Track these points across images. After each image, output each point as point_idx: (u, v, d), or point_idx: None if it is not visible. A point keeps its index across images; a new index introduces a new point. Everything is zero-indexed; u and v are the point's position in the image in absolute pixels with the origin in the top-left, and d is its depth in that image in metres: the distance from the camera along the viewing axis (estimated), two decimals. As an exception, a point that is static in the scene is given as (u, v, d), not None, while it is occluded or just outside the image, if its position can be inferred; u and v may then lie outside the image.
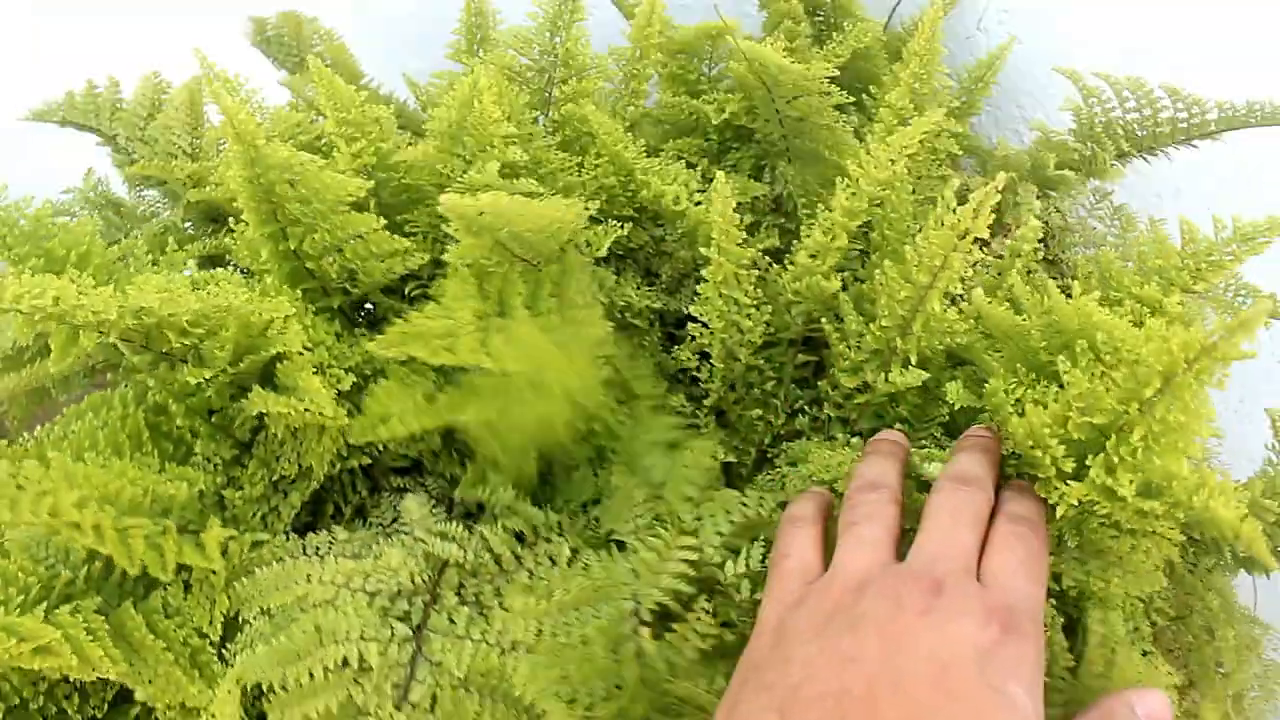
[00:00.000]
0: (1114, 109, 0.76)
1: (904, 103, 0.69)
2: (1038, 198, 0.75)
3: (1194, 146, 0.76)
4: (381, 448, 0.62)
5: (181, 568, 0.58)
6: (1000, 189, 0.52)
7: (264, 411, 0.57)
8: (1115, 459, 0.44)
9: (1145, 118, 0.76)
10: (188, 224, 0.77)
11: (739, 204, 0.71)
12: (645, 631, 0.50)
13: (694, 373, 0.67)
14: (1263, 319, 0.42)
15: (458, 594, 0.55)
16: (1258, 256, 0.70)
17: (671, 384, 0.69)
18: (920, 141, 0.61)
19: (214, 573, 0.56)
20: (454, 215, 0.54)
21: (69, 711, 0.58)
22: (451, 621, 0.54)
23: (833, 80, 0.66)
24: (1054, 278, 0.72)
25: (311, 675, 0.51)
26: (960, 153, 0.77)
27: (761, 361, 0.65)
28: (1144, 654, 0.59)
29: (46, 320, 0.52)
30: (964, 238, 0.54)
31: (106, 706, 0.59)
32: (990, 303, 0.55)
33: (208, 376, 0.56)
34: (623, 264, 0.72)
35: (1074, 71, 0.76)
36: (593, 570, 0.54)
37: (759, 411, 0.66)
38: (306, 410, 0.56)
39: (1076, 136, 0.78)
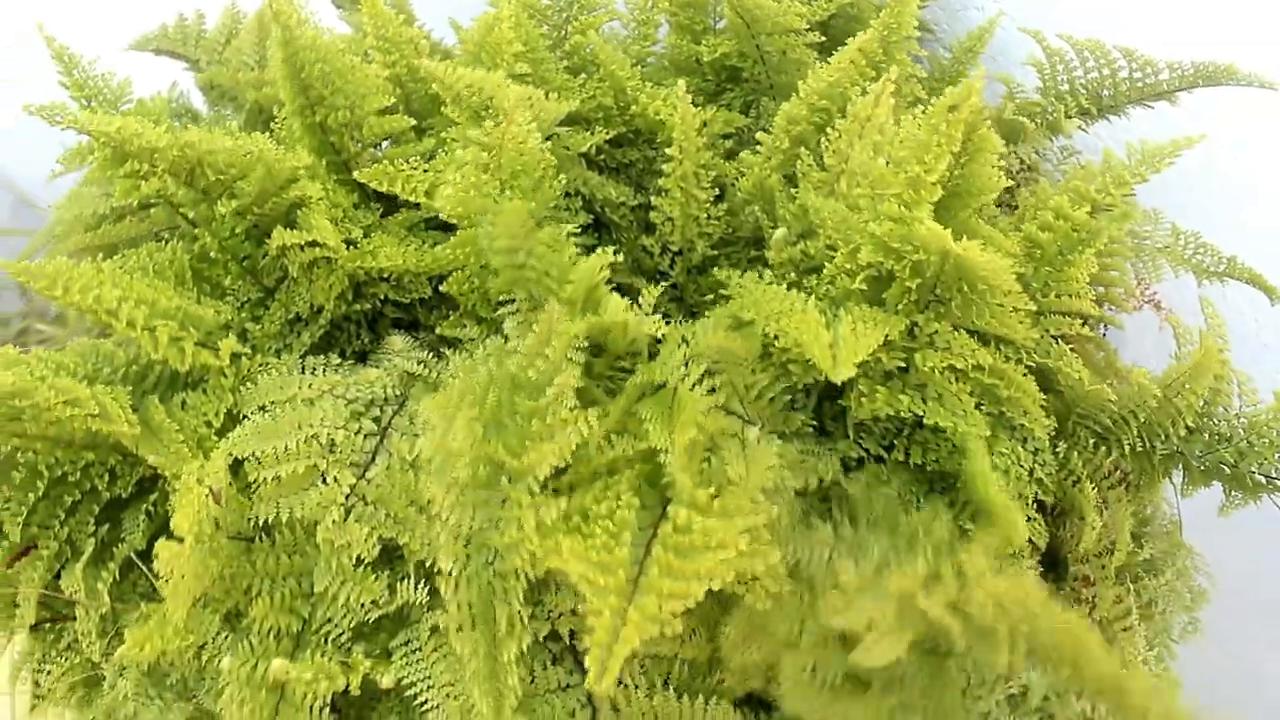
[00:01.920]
0: (1076, 69, 0.83)
1: (873, 46, 0.78)
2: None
3: (1149, 106, 0.82)
4: (383, 299, 0.72)
5: (197, 383, 0.69)
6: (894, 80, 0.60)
7: (282, 246, 0.68)
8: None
9: (1104, 78, 0.82)
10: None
11: (726, 134, 0.81)
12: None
13: (660, 265, 0.76)
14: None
15: (422, 398, 0.65)
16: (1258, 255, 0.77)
17: (647, 279, 0.78)
18: (888, 83, 0.68)
19: (224, 375, 0.67)
20: (445, 92, 0.65)
21: (99, 488, 0.69)
22: (411, 422, 0.63)
23: (823, 35, 0.75)
24: (1006, 214, 0.79)
25: (286, 447, 0.61)
26: (926, 95, 0.84)
27: (718, 254, 0.74)
28: (1028, 519, 0.65)
29: (113, 150, 0.65)
30: (868, 123, 0.62)
31: (131, 489, 0.70)
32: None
33: (237, 209, 0.67)
34: (615, 176, 0.82)
35: (1038, 31, 0.83)
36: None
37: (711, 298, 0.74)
38: (314, 243, 0.67)
39: (1041, 94, 0.85)
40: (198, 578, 0.57)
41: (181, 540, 0.54)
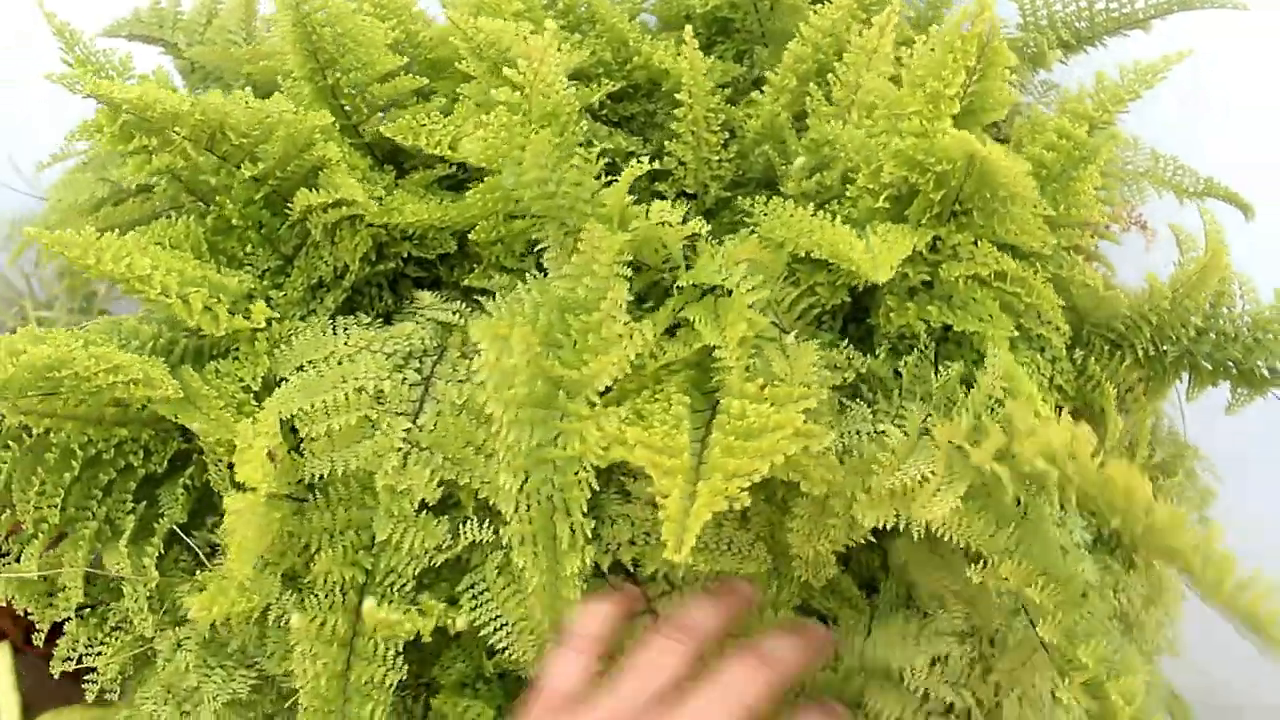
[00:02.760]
0: (1055, 3, 0.86)
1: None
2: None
3: (1125, 34, 0.86)
4: (405, 257, 0.72)
5: (227, 353, 0.69)
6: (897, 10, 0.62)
7: (305, 209, 0.68)
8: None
9: (1081, 10, 0.86)
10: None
11: (722, 84, 0.82)
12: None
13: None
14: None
15: (460, 351, 0.65)
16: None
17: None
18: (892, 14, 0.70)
19: (257, 339, 0.66)
20: (464, 45, 0.65)
21: (134, 465, 0.68)
22: (454, 369, 0.64)
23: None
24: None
25: (334, 401, 0.61)
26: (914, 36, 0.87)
27: (730, 195, 0.76)
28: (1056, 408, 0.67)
29: (133, 118, 0.64)
30: (874, 54, 0.64)
31: (166, 464, 0.69)
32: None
33: (257, 175, 0.67)
34: (616, 129, 0.83)
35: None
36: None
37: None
38: (339, 203, 0.67)
39: (1021, 29, 0.88)
40: (262, 534, 0.57)
41: (252, 490, 0.54)
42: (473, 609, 0.60)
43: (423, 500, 0.60)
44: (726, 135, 0.75)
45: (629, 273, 0.58)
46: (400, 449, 0.60)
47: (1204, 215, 0.74)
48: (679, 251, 0.62)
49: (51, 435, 0.66)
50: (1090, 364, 0.70)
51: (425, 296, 0.69)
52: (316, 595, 0.59)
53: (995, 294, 0.65)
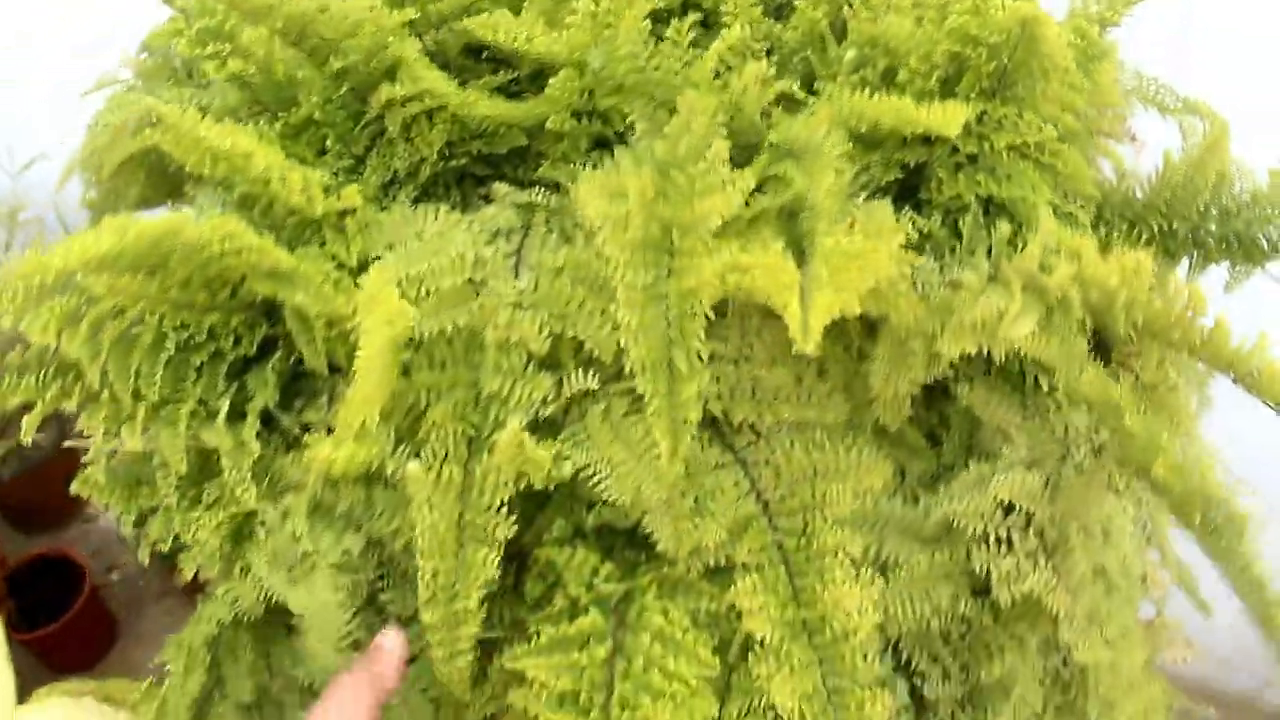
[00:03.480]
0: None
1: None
2: None
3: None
4: (475, 154, 0.76)
5: (313, 240, 0.71)
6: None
7: (384, 104, 0.71)
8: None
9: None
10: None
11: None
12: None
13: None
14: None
15: (546, 225, 0.69)
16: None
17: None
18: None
19: (347, 221, 0.69)
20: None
21: (224, 350, 0.70)
22: (542, 243, 0.67)
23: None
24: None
25: (437, 265, 0.64)
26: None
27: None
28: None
29: (209, 22, 0.67)
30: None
31: (255, 349, 0.71)
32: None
33: (340, 70, 0.71)
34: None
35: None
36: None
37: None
38: (419, 95, 0.70)
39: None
40: (384, 382, 0.59)
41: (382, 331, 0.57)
42: (577, 456, 0.63)
43: (528, 356, 0.63)
44: (767, 47, 0.80)
45: (724, 132, 0.62)
46: (508, 304, 0.63)
47: (1202, 108, 0.82)
48: (760, 120, 0.67)
49: (146, 319, 0.67)
50: (1113, 237, 0.77)
51: (501, 187, 0.73)
52: (431, 446, 0.62)
53: (1035, 165, 0.71)
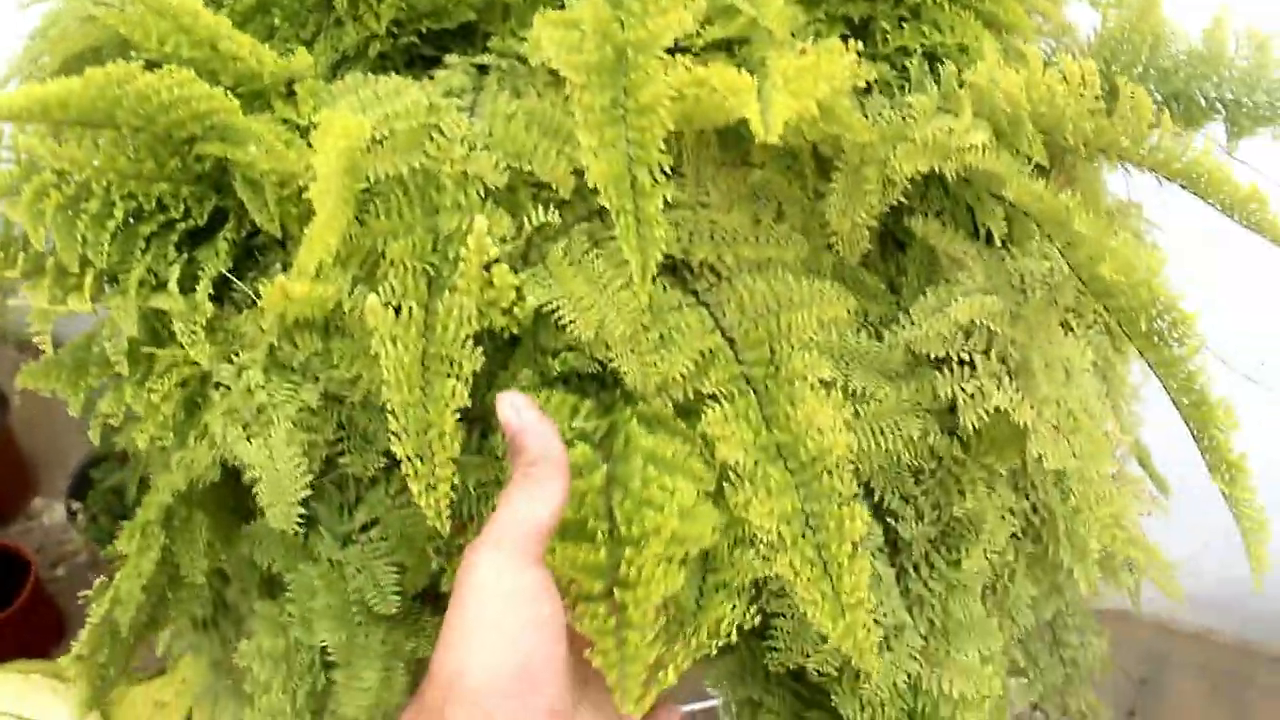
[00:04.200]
0: None
1: None
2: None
3: None
4: (424, 31, 0.76)
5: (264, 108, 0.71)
6: None
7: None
8: None
9: None
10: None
11: None
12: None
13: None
14: None
15: (498, 85, 0.69)
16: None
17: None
18: None
19: (296, 88, 0.69)
20: None
21: (174, 219, 0.69)
22: (494, 99, 0.67)
23: None
24: None
25: (392, 110, 0.64)
26: None
27: None
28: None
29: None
30: None
31: (205, 220, 0.70)
32: None
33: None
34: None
35: None
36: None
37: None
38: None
39: None
40: (338, 216, 0.58)
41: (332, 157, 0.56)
42: (540, 293, 0.63)
43: (485, 191, 0.63)
44: None
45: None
46: (464, 143, 0.63)
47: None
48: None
49: (94, 188, 0.66)
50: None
51: (451, 58, 0.73)
52: (390, 284, 0.61)
53: (976, 15, 0.73)
